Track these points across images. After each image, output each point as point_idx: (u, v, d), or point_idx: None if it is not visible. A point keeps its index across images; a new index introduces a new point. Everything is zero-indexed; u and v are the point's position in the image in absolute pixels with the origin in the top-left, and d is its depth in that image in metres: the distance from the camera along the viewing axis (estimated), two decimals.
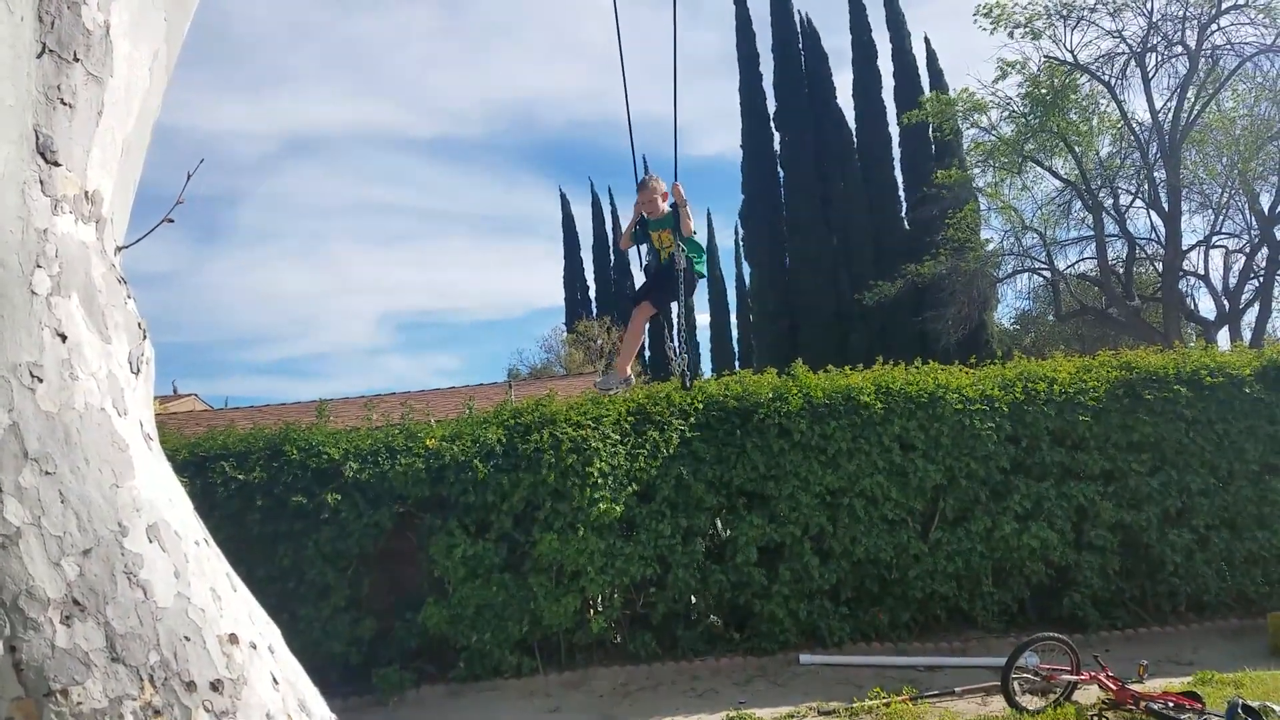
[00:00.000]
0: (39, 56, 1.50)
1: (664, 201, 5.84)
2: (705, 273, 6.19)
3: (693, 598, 7.33)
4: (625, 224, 6.42)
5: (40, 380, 1.37)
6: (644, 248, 6.16)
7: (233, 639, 1.48)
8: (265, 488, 7.14)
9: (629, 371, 6.22)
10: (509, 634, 6.98)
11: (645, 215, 5.92)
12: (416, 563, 7.28)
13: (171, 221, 1.83)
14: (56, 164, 1.49)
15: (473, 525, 7.14)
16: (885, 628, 7.47)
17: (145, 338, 1.64)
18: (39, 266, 1.41)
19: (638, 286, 6.23)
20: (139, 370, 1.60)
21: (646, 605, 7.34)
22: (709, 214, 47.16)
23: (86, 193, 1.55)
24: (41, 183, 1.46)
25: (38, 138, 1.47)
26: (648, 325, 6.34)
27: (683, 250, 5.77)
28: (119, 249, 1.66)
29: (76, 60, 1.54)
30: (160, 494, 1.50)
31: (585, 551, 6.96)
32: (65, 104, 1.52)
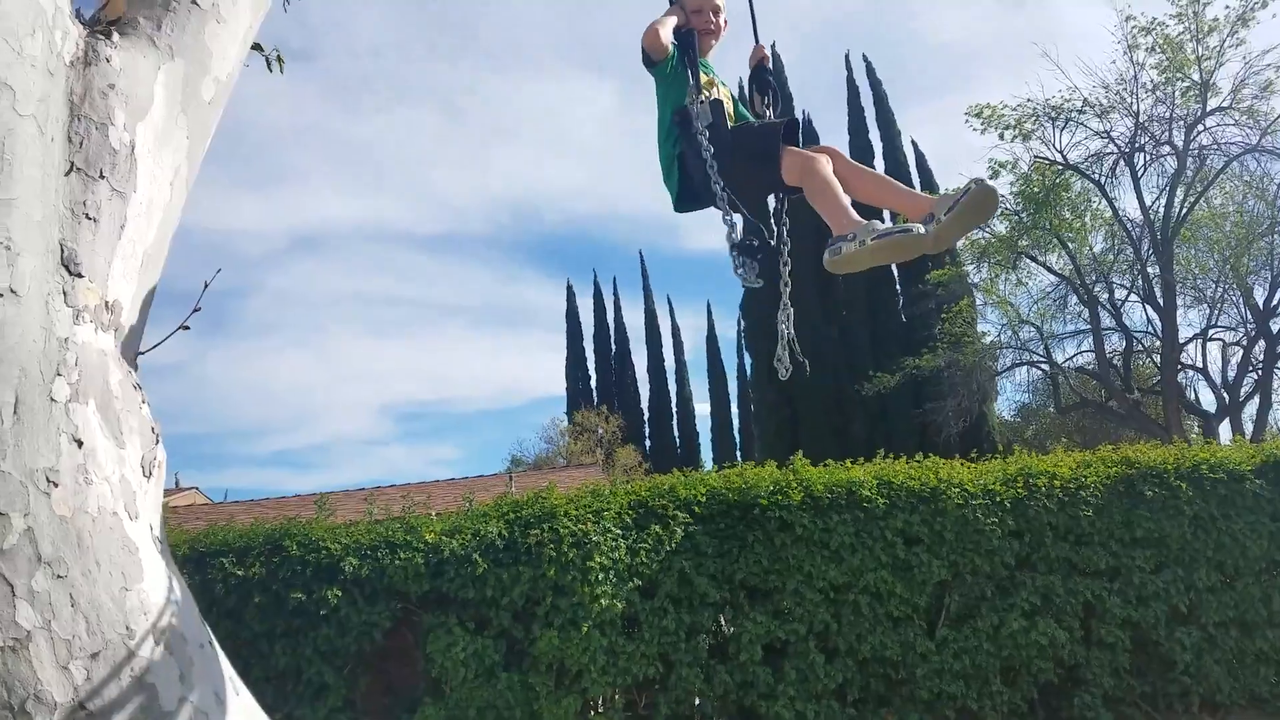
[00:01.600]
0: (66, 174, 1.58)
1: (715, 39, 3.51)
2: None
3: (696, 699, 7.19)
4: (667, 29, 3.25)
5: (56, 485, 1.41)
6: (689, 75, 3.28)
7: None
8: (264, 584, 7.08)
9: (861, 221, 2.96)
10: None
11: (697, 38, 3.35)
12: (413, 661, 7.16)
13: (188, 329, 1.90)
14: (79, 275, 1.56)
15: (472, 622, 7.05)
16: None
17: (158, 442, 1.68)
18: (59, 374, 1.47)
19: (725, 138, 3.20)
20: (150, 474, 1.64)
21: (649, 706, 7.19)
22: (709, 305, 47.69)
23: (107, 303, 1.62)
24: (64, 293, 1.53)
25: (63, 250, 1.55)
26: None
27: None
28: (138, 354, 1.72)
29: (102, 177, 1.63)
30: (167, 597, 1.53)
31: (588, 650, 6.86)
32: (90, 218, 1.60)
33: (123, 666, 1.39)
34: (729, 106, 3.33)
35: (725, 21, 3.48)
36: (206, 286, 1.91)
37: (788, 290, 3.72)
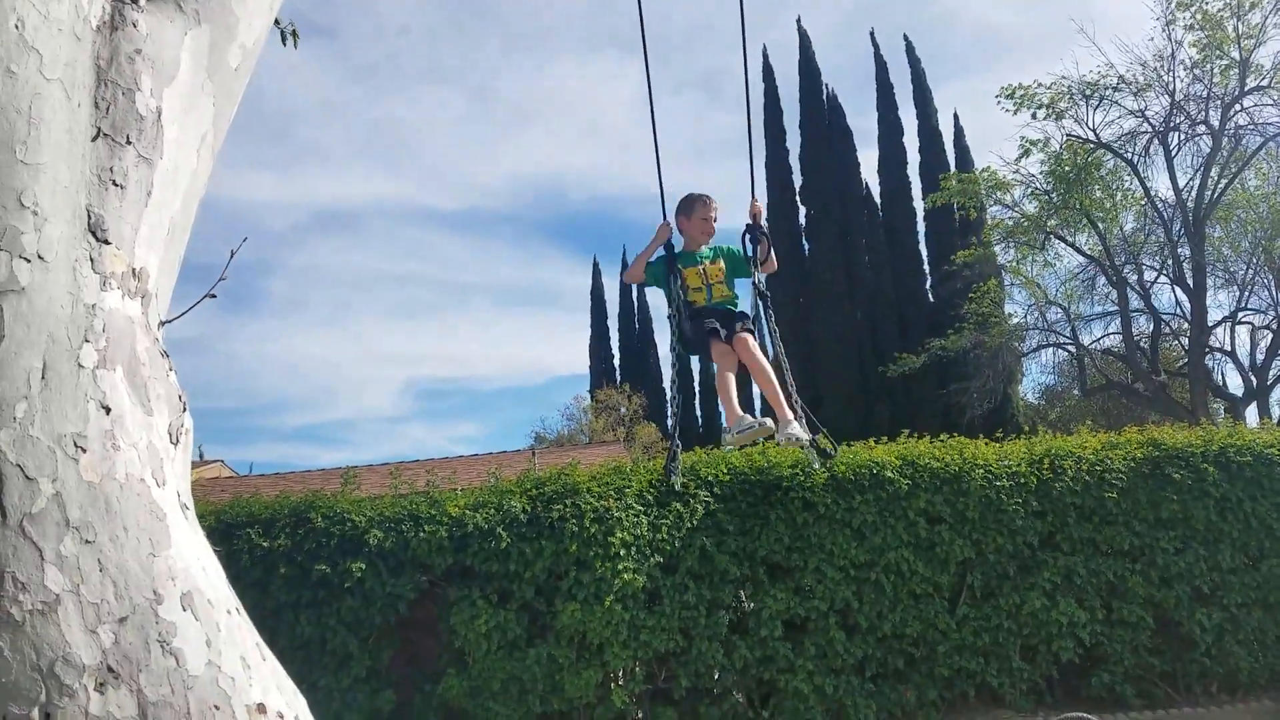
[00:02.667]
0: (93, 139, 1.58)
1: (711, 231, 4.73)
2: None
3: (716, 672, 7.22)
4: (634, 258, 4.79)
5: (84, 451, 1.42)
6: (673, 286, 4.62)
7: (261, 709, 1.50)
8: (289, 555, 7.15)
9: (740, 413, 4.40)
10: (529, 707, 6.88)
11: (684, 243, 4.68)
12: (436, 633, 7.23)
13: (214, 297, 1.90)
14: (106, 242, 1.56)
15: (495, 595, 7.11)
16: (912, 706, 7.30)
17: (185, 410, 1.69)
18: (87, 341, 1.47)
19: (693, 332, 4.57)
20: (178, 441, 1.64)
21: (669, 679, 7.23)
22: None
23: (134, 269, 1.61)
24: (92, 260, 1.52)
25: (89, 217, 1.54)
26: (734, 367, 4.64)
27: (759, 289, 4.66)
28: (162, 323, 1.72)
29: (129, 143, 1.62)
30: (195, 563, 1.54)
31: (610, 623, 6.90)
32: (117, 185, 1.60)
33: (150, 631, 1.40)
34: (719, 275, 4.62)
35: (716, 216, 4.72)
36: (233, 255, 1.91)
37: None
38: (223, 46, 1.86)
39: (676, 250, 4.65)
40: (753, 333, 4.56)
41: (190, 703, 1.40)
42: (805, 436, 4.51)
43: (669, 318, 4.65)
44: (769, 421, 4.31)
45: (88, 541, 1.37)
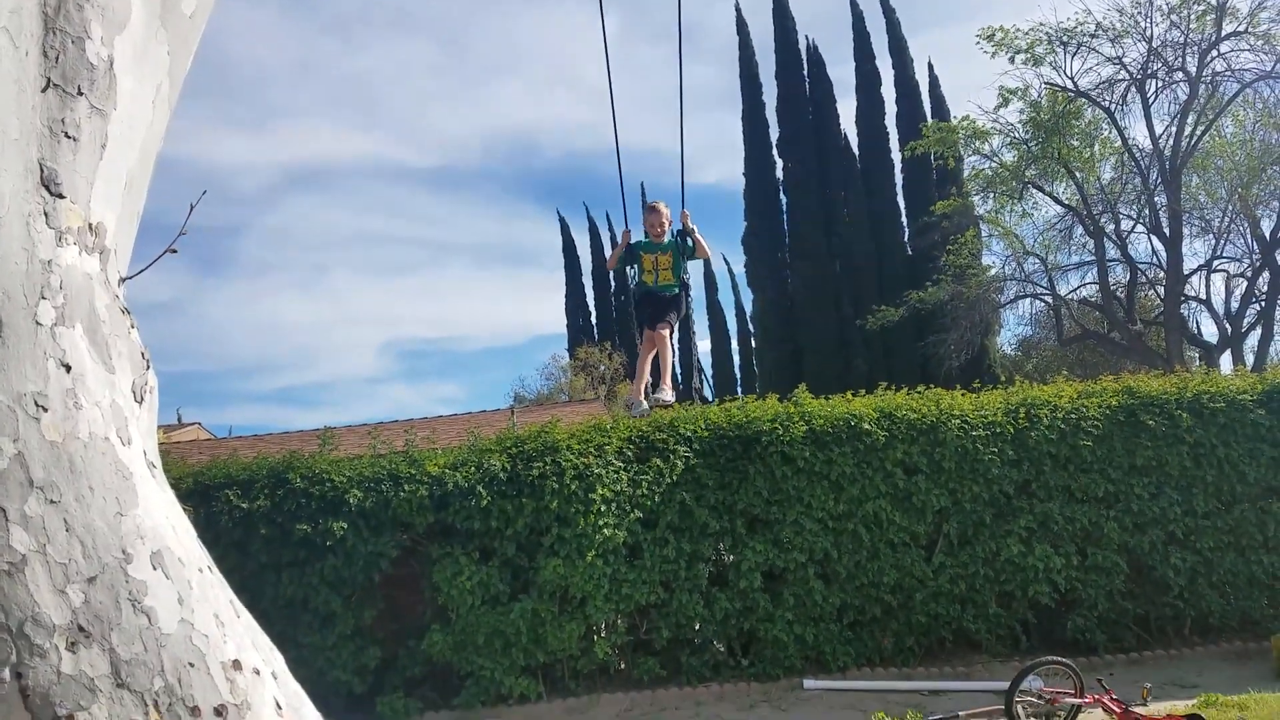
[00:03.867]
0: (43, 91, 1.53)
1: (667, 227, 6.41)
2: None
3: (697, 623, 7.31)
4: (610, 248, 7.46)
5: (45, 410, 1.39)
6: (631, 270, 6.64)
7: (236, 665, 1.49)
8: (269, 516, 7.15)
9: (640, 396, 6.43)
10: (513, 660, 6.95)
11: (645, 238, 6.46)
12: (420, 590, 7.27)
13: (175, 252, 1.86)
14: (61, 196, 1.52)
15: (477, 552, 7.14)
16: (890, 652, 7.43)
17: (148, 367, 1.66)
18: (43, 298, 1.44)
19: (639, 313, 6.75)
20: (142, 399, 1.62)
21: (650, 630, 7.31)
22: (707, 245, 47.23)
23: (90, 225, 1.57)
24: (46, 215, 1.48)
25: (42, 170, 1.50)
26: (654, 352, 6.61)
27: (686, 273, 6.51)
28: (122, 280, 1.69)
29: (81, 94, 1.57)
30: (163, 521, 1.52)
31: (591, 577, 6.95)
32: (69, 137, 1.55)
33: (120, 590, 1.39)
34: (668, 264, 6.36)
35: (668, 220, 6.38)
36: (192, 209, 1.87)
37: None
38: None
39: (643, 240, 6.46)
40: (670, 327, 6.47)
41: (164, 660, 1.39)
42: (670, 399, 6.31)
43: (631, 290, 6.74)
44: (644, 405, 6.30)
45: (53, 501, 1.35)
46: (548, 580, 6.94)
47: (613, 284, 43.82)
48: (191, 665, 1.42)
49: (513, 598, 7.05)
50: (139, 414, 1.59)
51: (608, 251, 45.21)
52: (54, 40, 1.51)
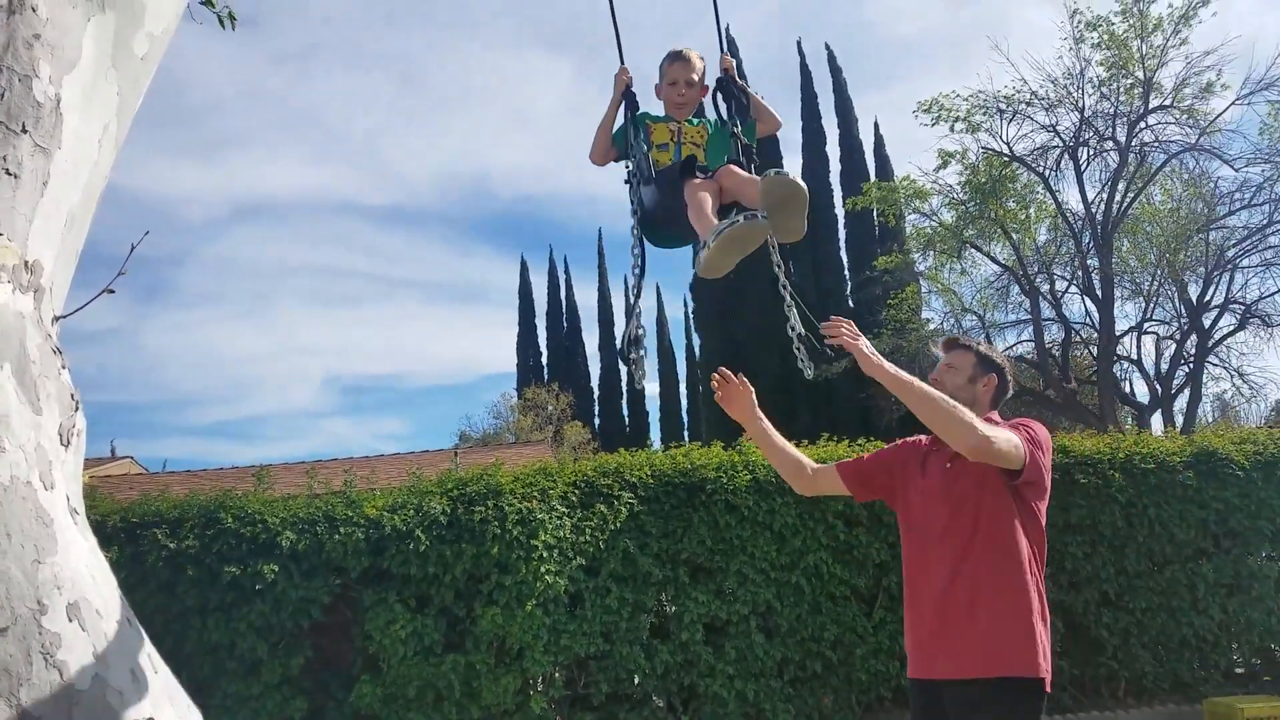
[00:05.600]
0: None
1: (699, 97, 3.70)
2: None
3: (636, 677, 7.22)
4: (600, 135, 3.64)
5: None
6: (631, 152, 3.58)
7: None
8: (197, 557, 6.93)
9: (710, 224, 3.12)
10: (445, 715, 6.79)
11: (665, 107, 3.63)
12: (350, 638, 7.09)
13: (113, 292, 1.82)
14: None
15: (413, 599, 6.99)
16: (829, 710, 7.40)
17: (78, 409, 1.61)
18: None
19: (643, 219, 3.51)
20: (69, 443, 1.57)
21: (589, 684, 7.20)
22: (658, 287, 47.61)
23: (26, 263, 1.54)
24: None
25: None
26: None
27: (741, 143, 3.53)
28: (56, 319, 1.65)
29: (25, 132, 1.55)
30: (83, 570, 1.47)
31: (530, 628, 6.84)
32: (10, 174, 1.52)
33: (33, 642, 1.33)
34: (700, 138, 3.56)
35: (702, 84, 3.60)
36: (133, 249, 1.84)
37: (788, 291, 3.91)
38: (128, 34, 1.78)
39: (647, 113, 3.66)
40: (741, 164, 3.44)
41: (75, 718, 1.34)
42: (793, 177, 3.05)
43: (625, 182, 3.59)
44: (749, 215, 2.95)
45: None
46: (485, 630, 6.82)
47: (565, 325, 43.83)
48: None
49: (448, 648, 6.90)
50: (64, 458, 1.54)
51: (563, 294, 45.14)
52: (1, 78, 1.49)
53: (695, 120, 3.65)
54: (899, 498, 3.30)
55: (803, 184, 2.92)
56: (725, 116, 3.67)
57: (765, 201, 2.87)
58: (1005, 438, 2.86)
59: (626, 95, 3.61)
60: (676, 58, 3.58)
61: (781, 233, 2.98)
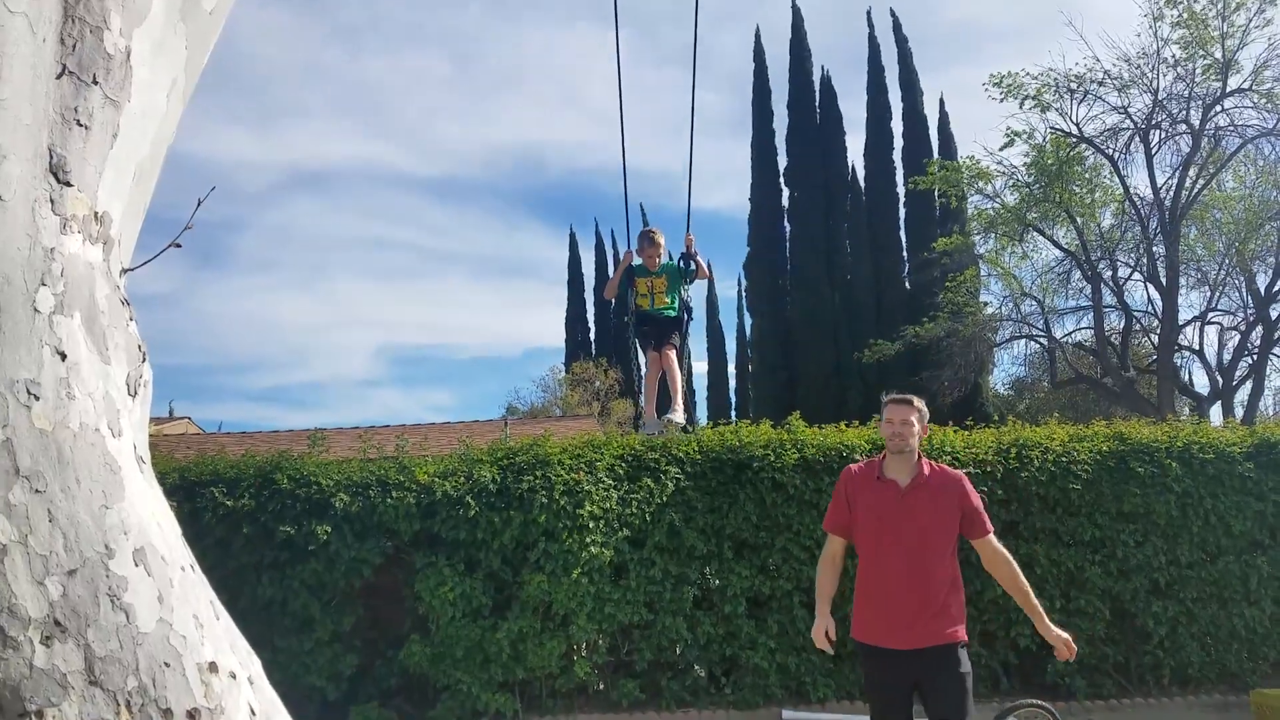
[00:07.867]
0: (58, 77, 1.52)
1: (662, 255, 6.97)
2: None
3: (679, 647, 7.26)
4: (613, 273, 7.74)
5: (37, 398, 1.37)
6: (629, 294, 7.02)
7: (212, 668, 1.47)
8: (253, 516, 7.09)
9: (653, 414, 7.39)
10: (491, 676, 6.89)
11: (642, 265, 6.88)
12: (401, 599, 7.21)
13: (179, 246, 1.85)
14: (68, 184, 1.50)
15: (461, 563, 7.09)
16: None
17: (145, 360, 1.64)
18: (43, 284, 1.42)
19: (639, 335, 7.19)
20: (136, 393, 1.60)
21: (632, 652, 7.26)
22: (709, 265, 47.35)
23: (96, 214, 1.56)
24: (52, 201, 1.47)
25: (51, 157, 1.49)
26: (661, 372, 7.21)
27: (688, 295, 6.99)
28: (124, 271, 1.67)
29: (95, 83, 1.56)
30: (148, 517, 1.50)
31: (575, 595, 6.90)
32: (81, 125, 1.54)
33: (100, 585, 1.36)
34: (663, 287, 6.93)
35: (663, 248, 6.90)
36: (200, 203, 1.86)
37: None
38: None
39: (636, 264, 6.89)
40: (675, 348, 6.86)
41: (139, 659, 1.37)
42: (681, 420, 7.11)
43: (625, 318, 7.26)
44: (659, 424, 7.10)
45: (38, 491, 1.33)
46: (531, 596, 6.90)
47: (613, 302, 43.87)
48: (167, 666, 1.39)
49: (495, 612, 7.00)
50: (131, 407, 1.57)
51: (611, 269, 45.32)
52: (72, 28, 1.51)
53: (659, 270, 6.86)
54: (856, 522, 4.39)
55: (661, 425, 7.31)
56: (684, 272, 7.03)
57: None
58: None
59: (628, 268, 6.93)
60: (650, 239, 6.85)
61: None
